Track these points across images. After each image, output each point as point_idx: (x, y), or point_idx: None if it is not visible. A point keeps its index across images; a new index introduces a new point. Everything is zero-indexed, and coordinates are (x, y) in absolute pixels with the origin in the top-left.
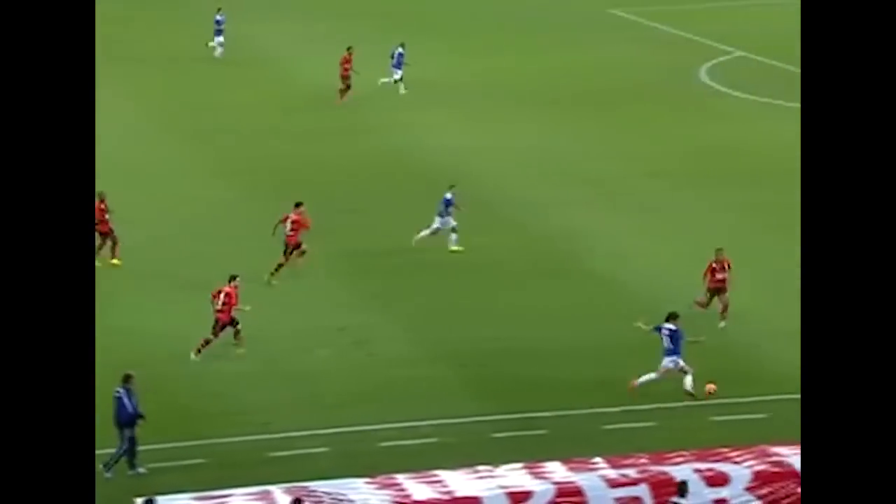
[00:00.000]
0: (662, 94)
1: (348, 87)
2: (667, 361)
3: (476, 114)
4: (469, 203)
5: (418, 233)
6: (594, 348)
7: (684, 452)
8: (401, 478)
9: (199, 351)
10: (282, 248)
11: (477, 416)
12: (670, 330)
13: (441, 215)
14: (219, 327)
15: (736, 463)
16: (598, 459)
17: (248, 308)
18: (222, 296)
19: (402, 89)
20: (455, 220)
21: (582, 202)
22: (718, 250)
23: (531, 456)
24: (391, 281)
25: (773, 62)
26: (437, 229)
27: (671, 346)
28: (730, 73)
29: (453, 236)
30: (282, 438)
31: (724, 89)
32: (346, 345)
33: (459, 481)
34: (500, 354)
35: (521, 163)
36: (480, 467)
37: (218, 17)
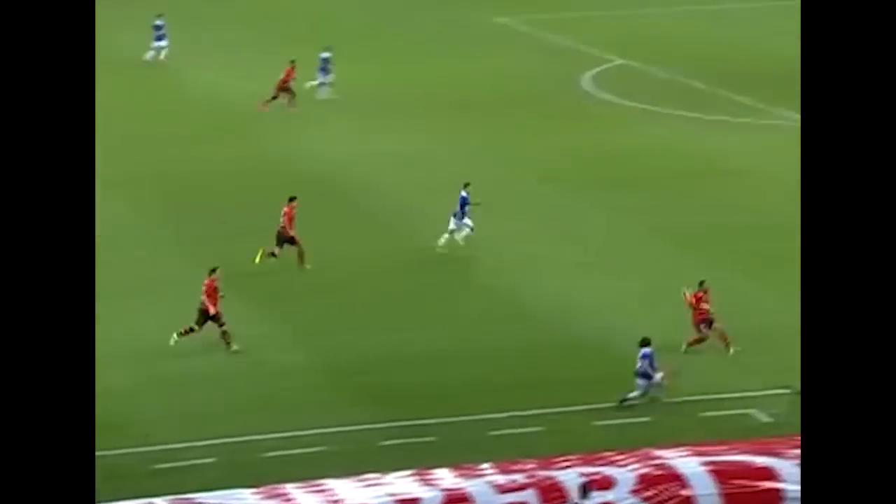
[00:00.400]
0: (547, 102)
1: (275, 98)
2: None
3: (363, 122)
4: (360, 212)
5: (441, 239)
6: (482, 354)
7: (571, 457)
8: (288, 487)
9: (182, 333)
10: (274, 241)
11: (365, 424)
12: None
13: (456, 216)
14: (204, 317)
15: (621, 466)
16: (486, 465)
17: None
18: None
19: (321, 94)
20: (471, 218)
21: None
22: (702, 282)
23: (420, 463)
24: (278, 290)
25: (653, 70)
26: (454, 231)
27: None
28: (611, 81)
29: (463, 232)
30: (166, 450)
31: (606, 96)
32: (232, 354)
33: (347, 490)
34: (389, 362)
35: (409, 171)
36: (368, 475)
37: (157, 23)
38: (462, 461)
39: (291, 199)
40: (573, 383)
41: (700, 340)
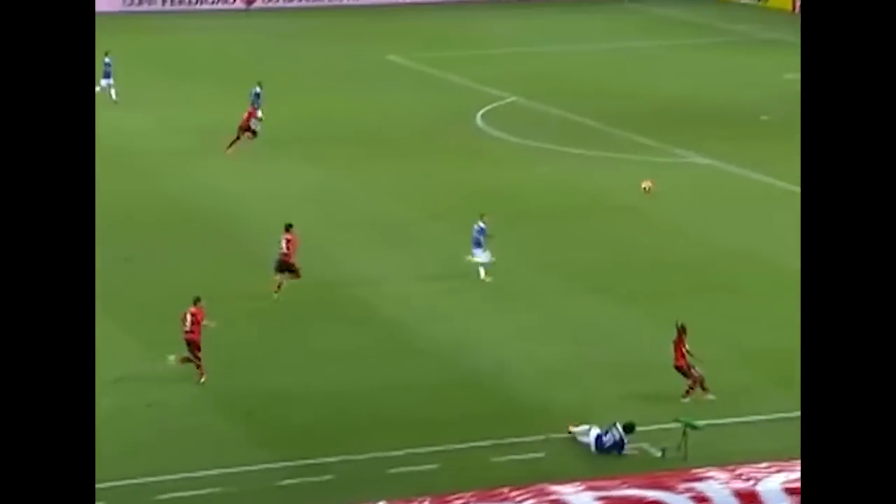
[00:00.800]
0: (440, 139)
1: (238, 138)
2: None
3: (256, 159)
4: (256, 248)
5: (483, 275)
6: (380, 391)
7: (465, 494)
8: None
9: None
10: (275, 267)
11: (262, 463)
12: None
13: (476, 245)
14: (195, 348)
15: (516, 503)
16: (382, 503)
17: (213, 324)
18: (189, 317)
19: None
20: (488, 249)
21: (364, 245)
22: (681, 326)
23: (317, 502)
24: (171, 329)
25: (546, 107)
26: (485, 263)
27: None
28: (504, 119)
29: (482, 270)
30: None
31: (499, 134)
32: (124, 395)
33: None
34: (286, 399)
35: (304, 207)
36: None
37: (106, 60)
38: (360, 499)
39: (289, 227)
40: (470, 419)
41: (692, 386)
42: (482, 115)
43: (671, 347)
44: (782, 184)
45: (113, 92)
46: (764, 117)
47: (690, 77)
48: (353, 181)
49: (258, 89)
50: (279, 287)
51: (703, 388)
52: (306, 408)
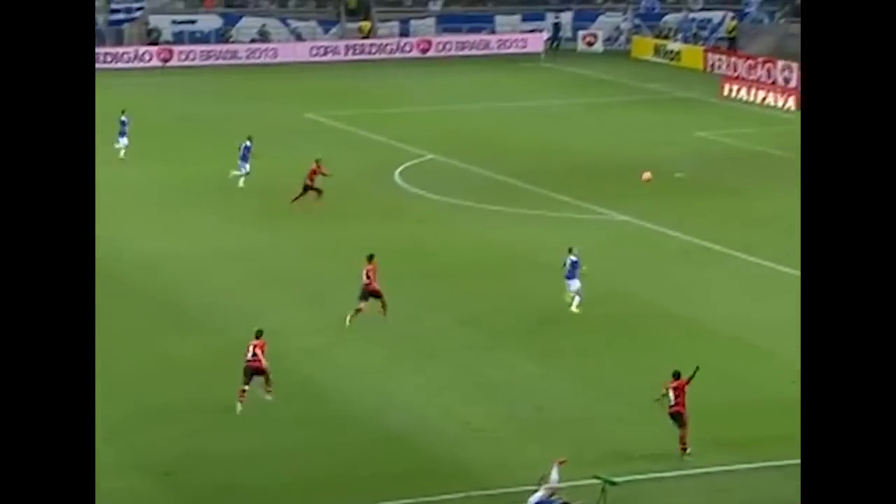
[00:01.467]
0: (359, 196)
1: (305, 192)
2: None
3: (176, 217)
4: (169, 306)
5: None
6: (297, 451)
7: None
8: None
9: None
10: (359, 294)
11: None
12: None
13: (570, 278)
14: (255, 373)
15: None
16: None
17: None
18: (251, 348)
19: (240, 183)
20: (581, 280)
21: (281, 303)
22: (674, 374)
23: None
24: None
25: (465, 165)
26: (575, 292)
27: None
28: (422, 176)
29: (577, 299)
30: None
31: (418, 191)
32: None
33: None
34: (204, 460)
35: (220, 264)
36: None
37: (123, 119)
38: None
39: (371, 258)
40: (387, 478)
41: (683, 435)
42: (400, 173)
43: (668, 394)
44: (698, 240)
45: (123, 152)
46: (678, 174)
47: (605, 134)
48: (272, 238)
49: (248, 143)
50: (357, 311)
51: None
52: (224, 468)
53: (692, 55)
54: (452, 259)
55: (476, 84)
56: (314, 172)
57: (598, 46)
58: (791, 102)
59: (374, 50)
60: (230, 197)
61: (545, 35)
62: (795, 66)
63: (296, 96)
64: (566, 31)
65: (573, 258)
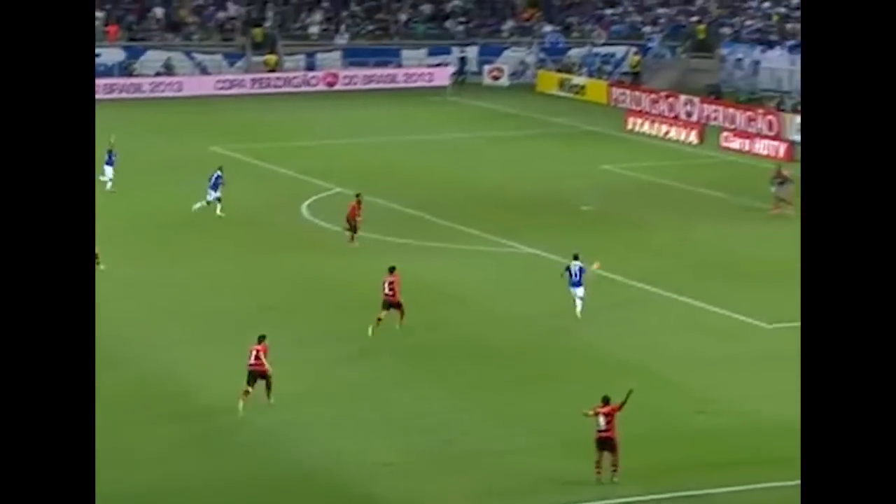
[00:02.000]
0: (267, 230)
1: (353, 231)
2: None
3: None
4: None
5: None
6: (204, 489)
7: None
8: None
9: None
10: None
11: None
12: None
13: (575, 286)
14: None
15: None
16: None
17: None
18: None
19: (219, 210)
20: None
21: (189, 337)
22: (603, 399)
23: None
24: None
25: (372, 198)
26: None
27: None
28: (329, 209)
29: (580, 304)
30: None
31: (324, 224)
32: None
33: None
34: (106, 501)
35: (127, 298)
36: None
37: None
38: None
39: (392, 270)
40: None
41: (615, 461)
42: (308, 206)
43: (599, 419)
44: (604, 273)
45: (109, 183)
46: (585, 207)
47: (512, 167)
48: (180, 272)
49: (219, 172)
50: (378, 321)
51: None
52: None
53: (596, 89)
54: (360, 292)
55: (383, 117)
56: (355, 210)
57: (504, 81)
58: (693, 136)
59: (280, 83)
60: (136, 230)
61: (451, 69)
62: (697, 100)
63: (201, 130)
64: (472, 66)
65: (579, 265)
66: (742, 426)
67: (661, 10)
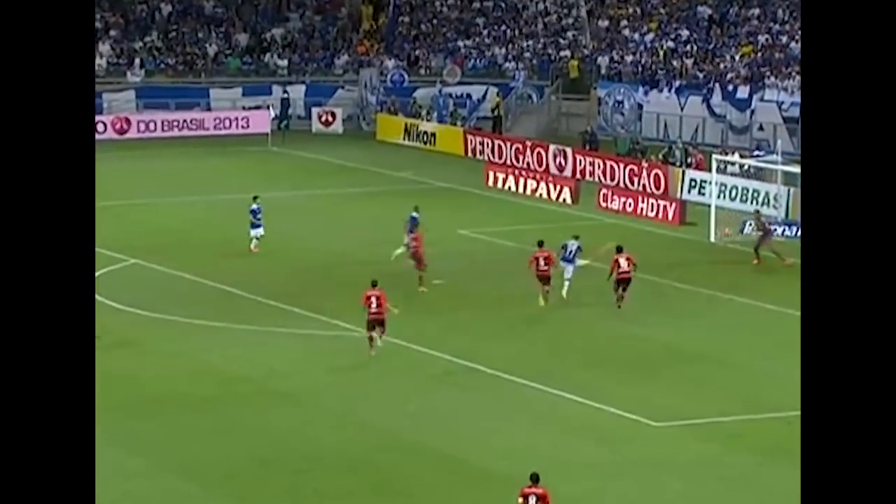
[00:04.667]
0: None
1: (421, 267)
2: None
3: None
4: None
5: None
6: None
7: None
8: None
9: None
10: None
11: None
12: None
13: (568, 262)
14: (374, 325)
15: None
16: None
17: (396, 311)
18: (374, 299)
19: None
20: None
21: None
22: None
23: None
24: None
25: (170, 271)
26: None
27: None
28: (122, 286)
29: (567, 285)
30: None
31: (116, 305)
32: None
33: None
34: None
35: None
36: None
37: (254, 207)
38: None
39: (375, 284)
40: None
41: None
42: (99, 278)
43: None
44: (459, 360)
45: (254, 243)
46: (437, 281)
47: (348, 233)
48: None
49: (255, 206)
50: (421, 272)
51: None
52: None
53: (449, 137)
54: (163, 389)
55: (188, 172)
56: (417, 243)
57: (338, 126)
58: (566, 194)
59: None
60: None
61: (272, 113)
62: (570, 150)
63: None
64: (298, 109)
65: (577, 244)
66: None
67: (526, 43)
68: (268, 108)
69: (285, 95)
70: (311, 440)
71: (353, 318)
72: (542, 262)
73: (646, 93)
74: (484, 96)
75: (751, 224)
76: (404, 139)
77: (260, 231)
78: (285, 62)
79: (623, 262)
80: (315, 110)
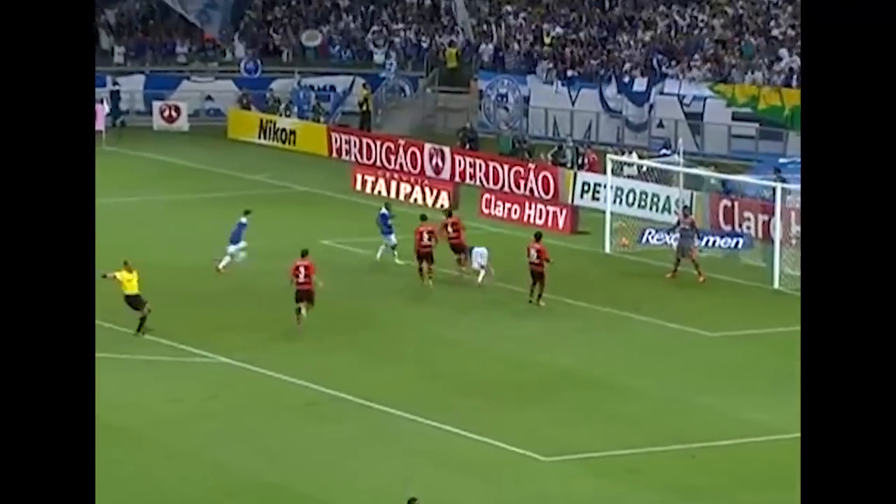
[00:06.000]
0: None
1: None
2: None
3: None
4: None
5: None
6: None
7: None
8: None
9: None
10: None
11: None
12: None
13: (386, 233)
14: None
15: None
16: None
17: (321, 284)
18: (301, 269)
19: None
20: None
21: None
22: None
23: None
24: None
25: None
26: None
27: None
28: None
29: (381, 250)
30: None
31: None
32: None
33: None
34: None
35: None
36: None
37: (242, 220)
38: None
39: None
40: None
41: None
42: None
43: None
44: (324, 388)
45: (241, 256)
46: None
47: (197, 244)
48: None
49: (243, 220)
50: (459, 260)
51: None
52: None
53: (311, 135)
54: None
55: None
56: (457, 229)
57: (183, 123)
58: (444, 198)
59: None
60: None
61: (106, 108)
62: (447, 150)
63: None
64: (135, 102)
65: (385, 212)
66: None
67: (397, 27)
68: (101, 102)
69: (116, 87)
70: (155, 484)
71: (203, 343)
72: (425, 237)
73: (532, 85)
74: (350, 88)
75: (676, 227)
76: (259, 137)
77: (241, 247)
78: (120, 49)
79: (534, 252)
80: (156, 104)
